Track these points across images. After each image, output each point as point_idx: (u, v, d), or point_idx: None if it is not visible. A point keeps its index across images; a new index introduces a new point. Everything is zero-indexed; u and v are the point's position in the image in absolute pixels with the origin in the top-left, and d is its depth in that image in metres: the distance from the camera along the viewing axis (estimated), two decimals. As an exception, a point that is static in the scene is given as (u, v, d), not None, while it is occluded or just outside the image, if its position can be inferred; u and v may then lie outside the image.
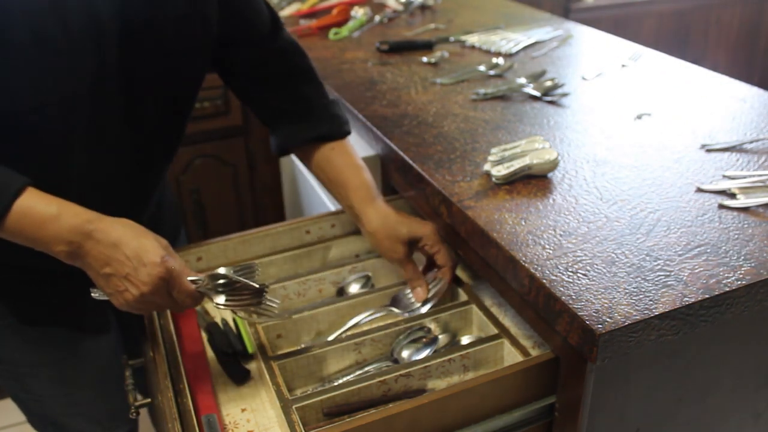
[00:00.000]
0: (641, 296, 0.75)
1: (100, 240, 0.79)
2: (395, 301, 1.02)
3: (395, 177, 1.20)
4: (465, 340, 0.98)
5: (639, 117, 1.22)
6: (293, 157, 1.70)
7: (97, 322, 1.12)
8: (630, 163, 1.05)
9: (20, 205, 0.78)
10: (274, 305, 0.88)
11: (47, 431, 1.22)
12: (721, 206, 0.92)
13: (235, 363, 0.94)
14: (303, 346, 0.97)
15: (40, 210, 0.79)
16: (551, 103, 1.29)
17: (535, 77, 1.41)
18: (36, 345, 1.08)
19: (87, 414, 1.16)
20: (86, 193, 0.87)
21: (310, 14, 2.00)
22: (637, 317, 0.72)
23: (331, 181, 1.08)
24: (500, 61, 1.50)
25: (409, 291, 1.02)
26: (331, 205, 1.42)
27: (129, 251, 0.78)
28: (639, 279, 0.78)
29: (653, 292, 0.76)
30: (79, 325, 1.09)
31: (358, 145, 1.29)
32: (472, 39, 1.69)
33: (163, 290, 0.80)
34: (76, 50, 0.82)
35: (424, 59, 1.57)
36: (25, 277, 1.01)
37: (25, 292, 1.04)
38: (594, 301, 0.75)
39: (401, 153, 1.12)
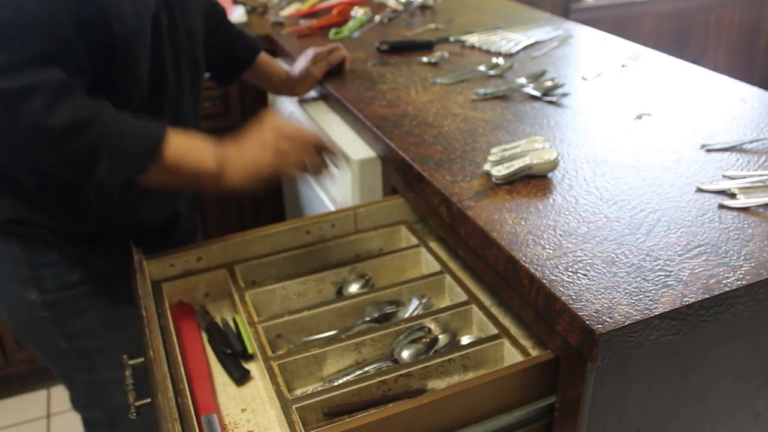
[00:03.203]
0: (641, 296, 0.75)
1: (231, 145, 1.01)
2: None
3: (395, 177, 1.20)
4: (465, 340, 0.98)
5: (639, 117, 1.22)
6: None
7: None
8: (630, 163, 1.05)
9: (171, 139, 0.95)
10: None
11: (97, 417, 1.24)
12: (721, 206, 0.92)
13: (235, 363, 0.94)
14: (303, 340, 0.97)
15: (184, 141, 0.97)
16: (551, 103, 1.29)
17: (535, 77, 1.41)
18: (112, 324, 1.14)
19: None
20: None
21: (310, 14, 2.00)
22: (637, 317, 0.72)
23: (268, 76, 1.46)
24: (500, 61, 1.50)
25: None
26: (331, 205, 1.42)
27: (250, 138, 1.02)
28: (639, 279, 0.78)
29: (653, 292, 0.76)
30: None
31: (359, 145, 1.29)
32: (472, 39, 1.69)
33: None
34: None
35: (424, 59, 1.57)
36: (108, 256, 1.13)
37: (107, 272, 1.13)
38: (594, 301, 0.75)
39: (401, 153, 1.12)
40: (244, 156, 0.99)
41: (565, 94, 1.33)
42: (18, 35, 0.84)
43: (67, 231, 1.09)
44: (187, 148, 0.96)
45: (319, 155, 1.06)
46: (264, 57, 1.45)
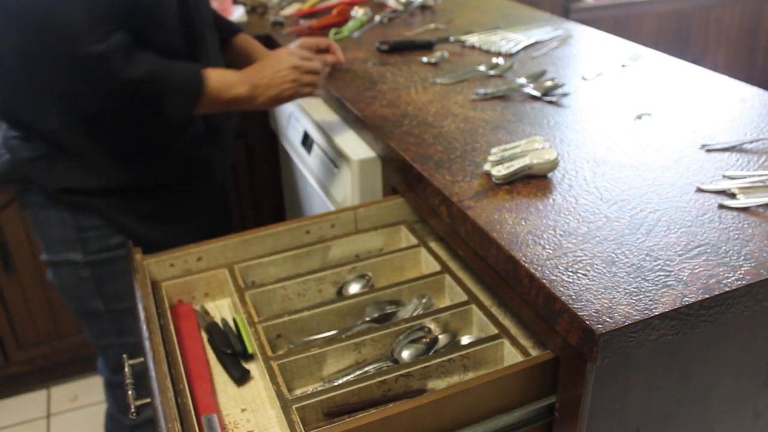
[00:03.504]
0: (641, 296, 0.75)
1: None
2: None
3: (395, 177, 1.20)
4: (465, 340, 0.98)
5: (639, 117, 1.22)
6: (293, 158, 1.70)
7: None
8: (630, 163, 1.05)
9: (209, 75, 1.17)
10: None
11: (122, 381, 1.32)
12: (721, 206, 0.92)
13: (235, 363, 0.94)
14: (303, 340, 0.97)
15: (219, 74, 1.19)
16: (551, 103, 1.29)
17: (535, 77, 1.41)
18: None
19: None
20: None
21: (310, 14, 2.00)
22: (637, 317, 0.72)
23: (249, 59, 1.48)
24: (500, 61, 1.50)
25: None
26: (331, 205, 1.42)
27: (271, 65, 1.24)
28: (639, 279, 0.78)
29: (653, 292, 0.76)
30: None
31: (358, 145, 1.29)
32: (472, 39, 1.69)
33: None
34: None
35: (424, 59, 1.57)
36: (146, 223, 1.27)
37: (144, 237, 1.24)
38: (594, 301, 0.75)
39: (401, 153, 1.12)
40: (268, 78, 1.22)
41: (565, 94, 1.33)
42: (95, 5, 1.03)
43: (112, 198, 1.23)
44: (222, 80, 1.19)
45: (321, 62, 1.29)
46: (244, 39, 1.49)
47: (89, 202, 1.23)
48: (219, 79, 1.19)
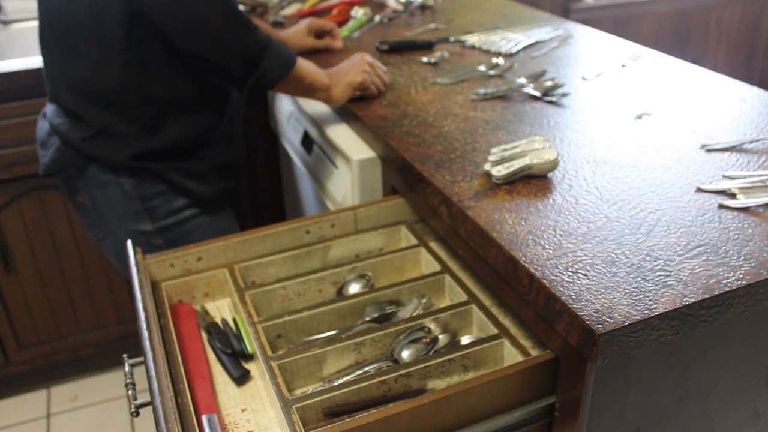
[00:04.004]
0: (641, 296, 0.75)
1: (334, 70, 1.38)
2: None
3: (395, 177, 1.20)
4: (465, 340, 0.98)
5: (639, 117, 1.22)
6: (293, 158, 1.70)
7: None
8: (630, 163, 1.05)
9: (299, 57, 1.31)
10: None
11: None
12: (721, 206, 0.92)
13: (235, 363, 0.94)
14: (303, 340, 0.97)
15: (305, 61, 1.33)
16: (551, 103, 1.29)
17: (535, 77, 1.41)
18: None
19: None
20: None
21: (310, 14, 2.00)
22: (637, 317, 0.72)
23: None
24: (500, 61, 1.50)
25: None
26: (331, 205, 1.42)
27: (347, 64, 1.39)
28: (639, 279, 0.78)
29: (653, 292, 0.76)
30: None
31: (358, 145, 1.29)
32: (472, 39, 1.69)
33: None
34: None
35: (424, 59, 1.57)
36: (205, 181, 1.37)
37: (205, 195, 1.37)
38: (594, 301, 0.75)
39: (401, 153, 1.12)
40: (343, 75, 1.36)
41: (565, 94, 1.33)
42: None
43: (168, 161, 1.31)
44: (308, 66, 1.32)
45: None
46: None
47: (151, 168, 1.31)
48: (305, 63, 1.32)
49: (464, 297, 1.00)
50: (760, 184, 0.95)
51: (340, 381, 0.88)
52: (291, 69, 1.28)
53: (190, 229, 1.37)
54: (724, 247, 0.83)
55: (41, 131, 1.37)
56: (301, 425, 0.78)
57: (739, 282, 0.76)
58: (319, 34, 1.70)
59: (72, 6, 1.21)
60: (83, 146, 1.29)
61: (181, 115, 1.31)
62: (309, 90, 1.34)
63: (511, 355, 0.90)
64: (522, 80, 1.38)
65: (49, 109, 1.35)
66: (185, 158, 1.34)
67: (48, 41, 1.29)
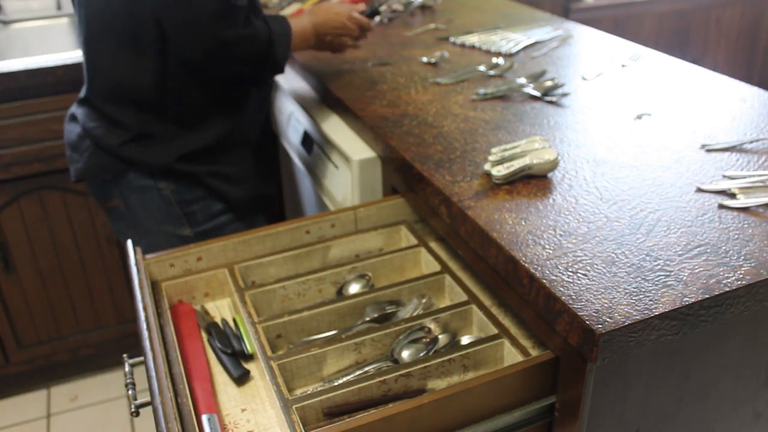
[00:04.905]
0: (641, 296, 0.75)
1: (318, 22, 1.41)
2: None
3: (395, 177, 1.20)
4: (465, 340, 0.98)
5: (639, 117, 1.22)
6: (293, 157, 1.70)
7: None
8: (630, 163, 1.05)
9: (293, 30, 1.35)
10: None
11: None
12: (721, 206, 0.92)
13: (235, 363, 0.94)
14: (303, 340, 0.97)
15: (299, 29, 1.37)
16: (551, 103, 1.29)
17: (535, 77, 1.41)
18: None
19: None
20: None
21: (310, 14, 2.00)
22: (637, 317, 0.72)
23: None
24: (500, 61, 1.50)
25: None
26: (331, 205, 1.42)
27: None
28: (639, 279, 0.78)
29: (653, 292, 0.76)
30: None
31: (358, 145, 1.29)
32: (472, 39, 1.69)
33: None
34: None
35: (424, 59, 1.57)
36: (240, 186, 1.41)
37: (241, 200, 1.41)
38: (594, 301, 0.75)
39: (401, 153, 1.12)
40: (322, 20, 1.40)
41: (565, 94, 1.33)
42: None
43: (202, 164, 1.34)
44: (299, 34, 1.36)
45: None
46: None
47: (190, 171, 1.34)
48: (298, 31, 1.36)
49: (464, 297, 1.00)
50: (760, 184, 0.95)
51: (340, 381, 0.88)
52: (290, 45, 1.33)
53: (228, 234, 1.38)
54: (724, 247, 0.83)
55: (71, 134, 1.37)
56: (301, 425, 0.78)
57: (739, 282, 0.76)
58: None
59: (108, 8, 1.22)
60: (121, 151, 1.30)
61: (218, 115, 1.33)
62: (297, 49, 1.40)
63: (511, 355, 0.90)
64: (522, 80, 1.38)
65: (80, 111, 1.35)
66: (223, 161, 1.37)
67: (89, 41, 1.30)
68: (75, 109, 1.38)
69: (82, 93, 1.36)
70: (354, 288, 1.08)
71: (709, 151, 1.08)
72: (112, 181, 1.34)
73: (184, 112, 1.31)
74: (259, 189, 1.47)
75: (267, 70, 1.35)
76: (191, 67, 1.27)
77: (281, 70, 1.37)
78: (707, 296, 0.74)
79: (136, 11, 1.21)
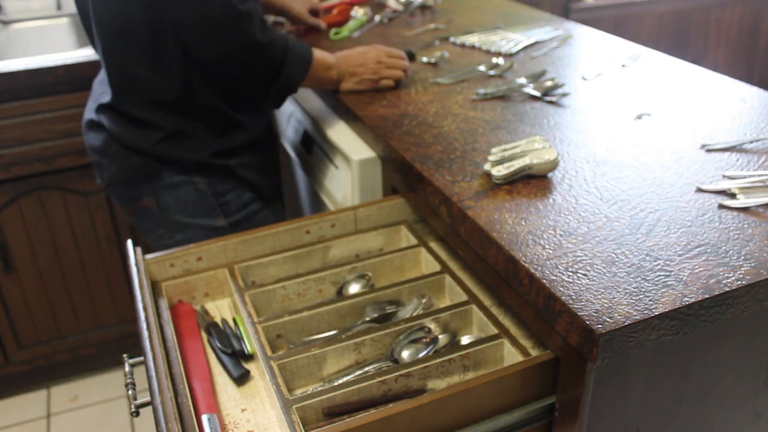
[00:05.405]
0: (641, 296, 0.75)
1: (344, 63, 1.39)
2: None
3: (395, 177, 1.20)
4: (465, 340, 0.98)
5: (639, 117, 1.22)
6: (293, 157, 1.70)
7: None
8: (630, 163, 1.05)
9: (314, 56, 1.34)
10: None
11: None
12: (721, 206, 0.92)
13: (235, 363, 0.94)
14: (303, 340, 0.97)
15: (318, 55, 1.35)
16: (551, 103, 1.29)
17: (535, 77, 1.41)
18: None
19: None
20: None
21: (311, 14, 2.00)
22: (637, 317, 0.72)
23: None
24: (500, 61, 1.50)
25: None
26: (331, 205, 1.42)
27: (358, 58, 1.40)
28: (639, 279, 0.78)
29: (653, 292, 0.76)
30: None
31: (358, 145, 1.29)
32: (472, 39, 1.69)
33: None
34: None
35: (424, 59, 1.57)
36: (266, 175, 1.47)
37: (268, 188, 1.47)
38: (594, 301, 0.75)
39: (401, 153, 1.12)
40: (353, 67, 1.38)
41: (565, 94, 1.33)
42: None
43: (232, 157, 1.37)
44: (321, 60, 1.35)
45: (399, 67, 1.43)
46: None
47: (226, 164, 1.37)
48: (320, 58, 1.35)
49: (464, 297, 1.00)
50: (760, 184, 0.95)
51: (340, 381, 0.88)
52: (308, 71, 1.32)
53: (258, 222, 1.42)
54: (724, 247, 0.83)
55: (96, 140, 1.37)
56: (301, 425, 0.78)
57: (739, 282, 0.76)
58: (314, 12, 1.81)
59: (124, 19, 1.23)
60: (156, 150, 1.31)
61: (246, 114, 1.36)
62: (320, 84, 1.39)
63: (511, 355, 0.90)
64: (522, 80, 1.38)
65: (104, 118, 1.35)
66: (252, 152, 1.41)
67: (109, 52, 1.29)
68: (95, 116, 1.37)
69: (104, 100, 1.34)
70: (354, 288, 1.08)
71: (709, 151, 1.08)
72: (143, 180, 1.35)
73: (214, 112, 1.32)
74: (277, 177, 1.54)
75: (278, 85, 1.32)
76: (214, 71, 1.28)
77: (293, 89, 1.35)
78: (707, 296, 0.74)
79: (153, 18, 1.21)
